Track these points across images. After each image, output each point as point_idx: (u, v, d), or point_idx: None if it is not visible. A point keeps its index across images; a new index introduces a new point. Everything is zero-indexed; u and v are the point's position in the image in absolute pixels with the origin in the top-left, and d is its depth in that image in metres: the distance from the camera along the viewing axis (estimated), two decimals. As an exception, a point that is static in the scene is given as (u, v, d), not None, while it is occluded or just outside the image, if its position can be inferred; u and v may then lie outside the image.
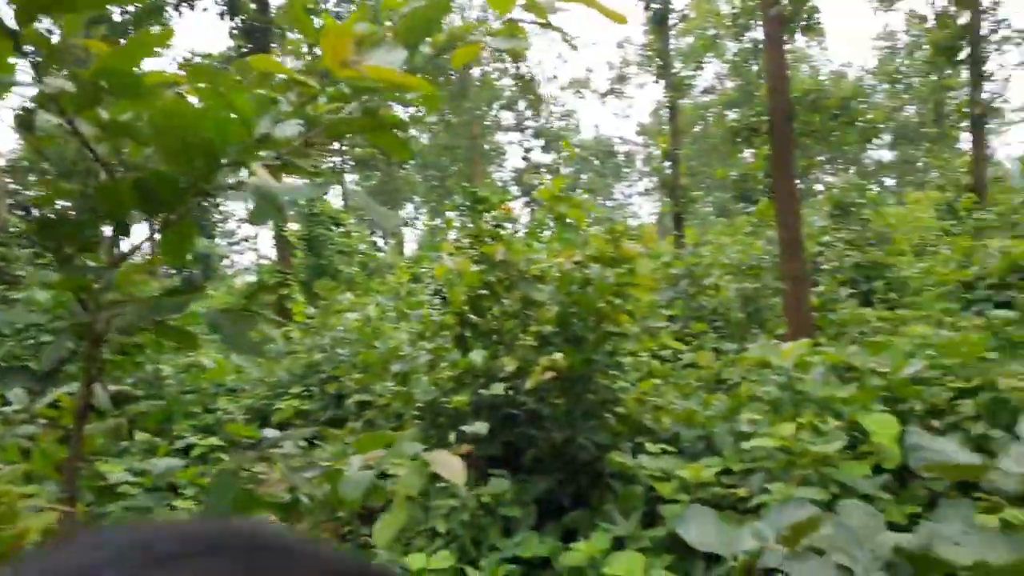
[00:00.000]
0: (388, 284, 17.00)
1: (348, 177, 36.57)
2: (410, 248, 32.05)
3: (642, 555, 3.52)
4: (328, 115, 1.83)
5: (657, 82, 18.39)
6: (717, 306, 10.86)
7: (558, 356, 4.38)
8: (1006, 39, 17.02)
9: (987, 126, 20.93)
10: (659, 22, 17.01)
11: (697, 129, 31.23)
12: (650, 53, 18.20)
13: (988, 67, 16.67)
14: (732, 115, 18.08)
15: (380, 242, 39.23)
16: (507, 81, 34.20)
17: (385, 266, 23.32)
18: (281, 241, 16.60)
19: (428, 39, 1.95)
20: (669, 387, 6.12)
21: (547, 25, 2.05)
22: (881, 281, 11.94)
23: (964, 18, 16.25)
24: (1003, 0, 16.12)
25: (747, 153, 16.61)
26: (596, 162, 45.70)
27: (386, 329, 9.00)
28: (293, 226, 19.18)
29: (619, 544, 3.87)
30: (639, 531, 3.93)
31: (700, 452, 4.75)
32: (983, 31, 16.27)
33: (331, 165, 34.43)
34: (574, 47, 2.33)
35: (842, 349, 6.13)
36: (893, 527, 3.29)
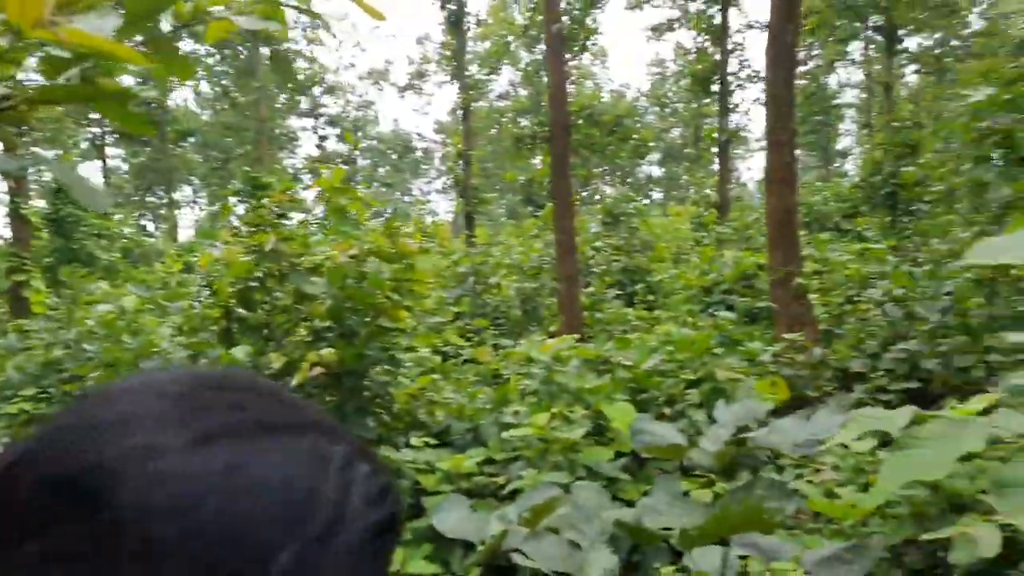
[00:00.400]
0: (155, 273, 15.42)
1: (112, 152, 32.46)
2: (186, 234, 29.28)
3: (401, 548, 3.59)
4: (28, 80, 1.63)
5: (453, 82, 18.76)
6: (500, 304, 11.37)
7: (327, 351, 4.30)
8: (749, 77, 19.85)
9: (733, 151, 24.33)
10: (455, 23, 17.35)
11: (493, 132, 32.34)
12: (447, 53, 18.51)
13: (734, 99, 19.40)
14: (524, 122, 19.02)
15: (151, 226, 35.35)
16: (302, 63, 32.65)
17: (155, 253, 21.13)
18: (18, 219, 14.27)
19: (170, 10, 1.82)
20: (448, 381, 6.29)
21: (306, 11, 2.02)
22: (642, 284, 13.32)
23: (716, 55, 18.70)
24: (747, 44, 18.81)
25: (537, 160, 17.60)
26: (394, 156, 45.34)
27: (149, 323, 8.17)
28: (39, 203, 16.62)
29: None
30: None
31: (468, 444, 4.96)
32: (730, 68, 18.85)
33: (88, 137, 30.25)
34: (333, 35, 2.30)
35: (600, 344, 6.76)
36: (630, 504, 3.72)
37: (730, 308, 9.34)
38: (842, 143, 40.35)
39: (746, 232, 16.05)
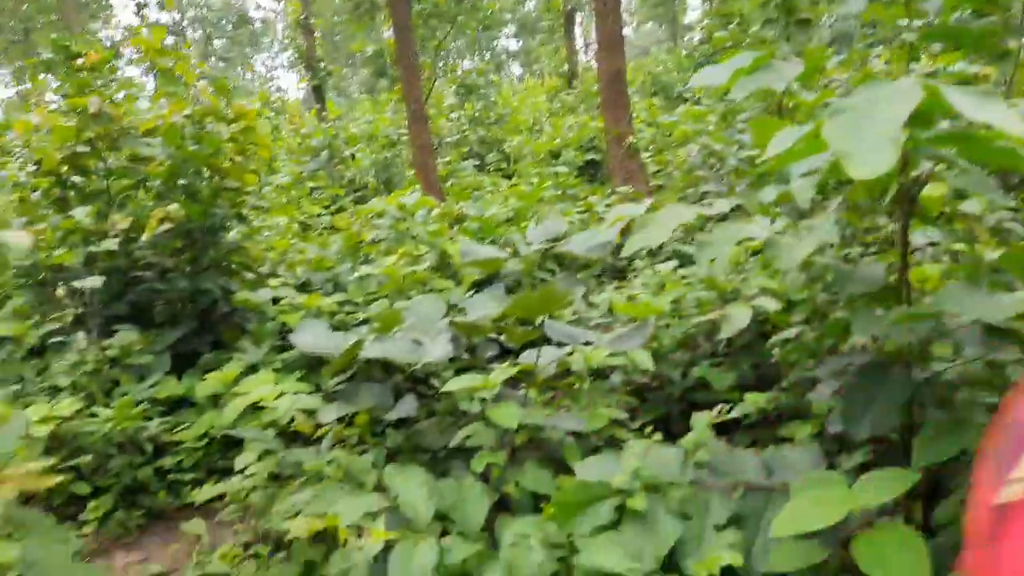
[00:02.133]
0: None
1: None
2: (-11, 119, 25.61)
3: (273, 372, 3.98)
4: None
5: (288, -58, 17.25)
6: (356, 175, 11.39)
7: (173, 207, 4.39)
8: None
9: (577, 22, 24.44)
10: None
11: (338, 1, 30.17)
12: (278, -94, 16.87)
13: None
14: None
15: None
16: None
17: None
18: None
19: None
20: (309, 240, 6.51)
21: None
22: (496, 153, 13.73)
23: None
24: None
25: (389, 31, 16.93)
26: (229, 27, 41.23)
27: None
28: None
29: (254, 371, 4.27)
30: (271, 356, 4.38)
31: (329, 293, 5.32)
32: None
33: None
34: None
35: (451, 202, 7.19)
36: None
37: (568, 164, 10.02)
38: (689, 17, 41.58)
39: (593, 100, 16.72)
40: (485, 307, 3.14)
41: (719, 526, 2.21)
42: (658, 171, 10.00)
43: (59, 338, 4.54)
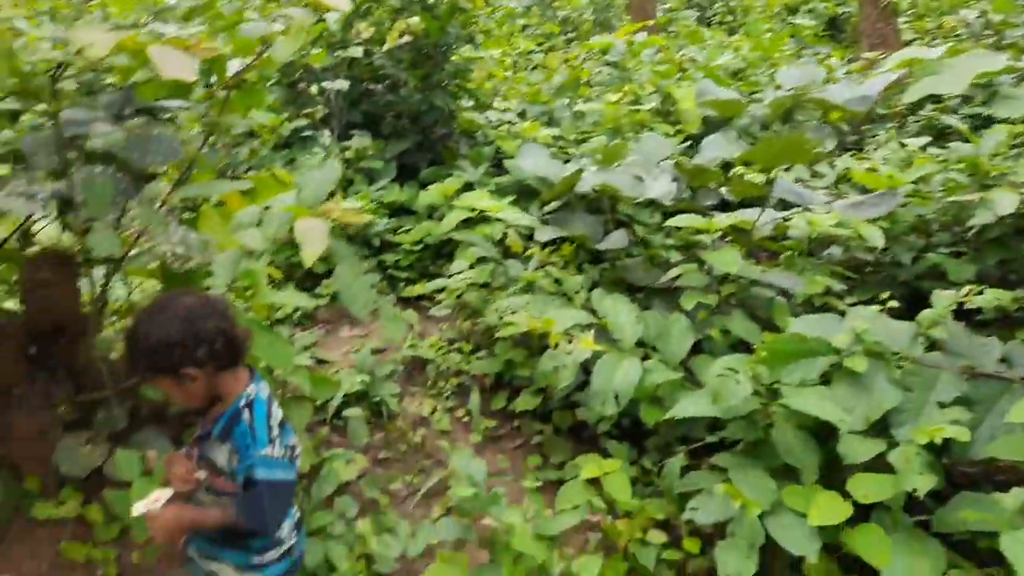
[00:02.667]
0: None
1: None
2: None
3: (488, 192, 4.24)
4: None
5: None
6: (571, 14, 11.04)
7: (414, 20, 4.57)
8: None
9: None
10: None
11: None
12: None
13: None
14: None
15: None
16: None
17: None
18: None
19: None
20: (521, 76, 6.56)
21: None
22: (721, 3, 12.56)
23: None
24: None
25: None
26: None
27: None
28: None
29: (469, 189, 4.57)
30: (486, 178, 4.64)
31: (543, 126, 5.41)
32: None
33: None
34: None
35: (670, 40, 6.79)
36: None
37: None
38: None
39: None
40: (718, 150, 3.05)
41: (943, 404, 2.14)
42: (914, 40, 8.67)
43: (306, 133, 5.10)
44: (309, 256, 1.85)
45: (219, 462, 1.54)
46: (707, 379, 2.52)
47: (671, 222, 2.91)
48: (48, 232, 2.90)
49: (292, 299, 3.08)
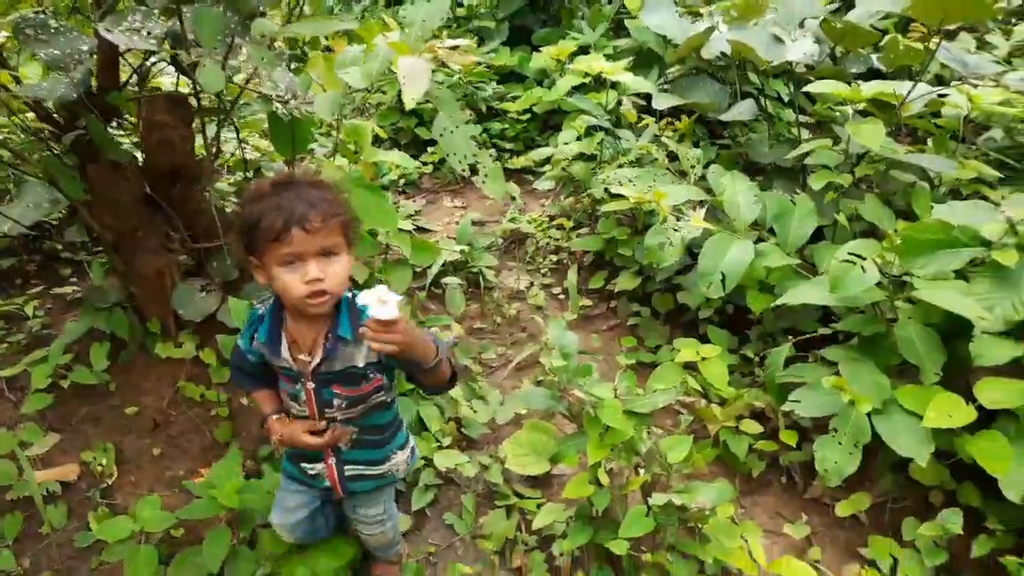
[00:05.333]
0: None
1: None
2: None
3: (603, 57, 4.02)
4: None
5: None
6: None
7: None
8: None
9: None
10: None
11: None
12: None
13: None
14: None
15: None
16: None
17: None
18: None
19: None
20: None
21: None
22: None
23: None
24: None
25: None
26: None
27: None
28: None
29: (584, 52, 4.36)
30: (605, 40, 4.40)
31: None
32: None
33: None
34: None
35: None
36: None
37: None
38: None
39: None
40: (877, 4, 2.71)
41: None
42: None
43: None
44: (410, 96, 1.83)
45: (359, 364, 1.46)
46: (826, 268, 2.37)
47: (809, 88, 2.65)
48: (165, 78, 3.05)
49: (398, 160, 3.12)
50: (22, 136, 2.63)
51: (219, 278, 2.72)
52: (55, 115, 2.39)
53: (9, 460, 2.31)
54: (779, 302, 2.28)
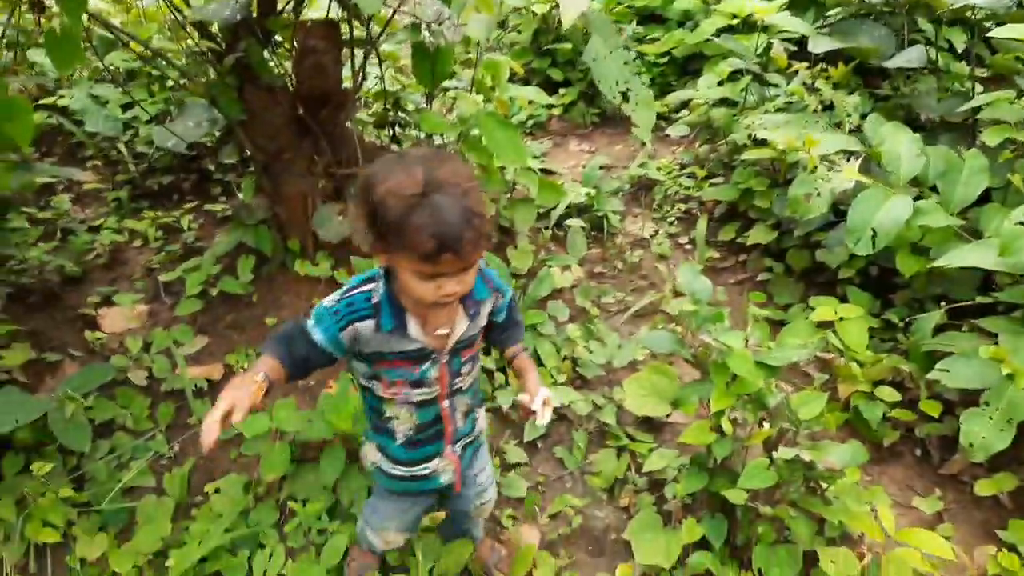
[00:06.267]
0: None
1: None
2: None
3: (752, -4, 3.79)
4: None
5: None
6: None
7: None
8: None
9: None
10: None
11: None
12: None
13: None
14: None
15: None
16: None
17: None
18: None
19: None
20: None
21: None
22: None
23: None
24: None
25: None
26: None
27: None
28: None
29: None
30: (752, -19, 4.14)
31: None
32: None
33: None
34: None
35: None
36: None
37: None
38: None
39: None
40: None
41: None
42: None
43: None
44: (569, 16, 1.81)
45: (483, 321, 1.41)
46: (994, 232, 2.18)
47: (996, 32, 2.39)
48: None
49: (533, 95, 3.11)
50: (186, 60, 2.83)
51: (356, 204, 2.85)
52: (217, 38, 2.55)
53: (165, 356, 2.58)
54: (938, 263, 2.12)
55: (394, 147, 3.23)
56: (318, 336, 1.28)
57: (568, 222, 3.42)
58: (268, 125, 2.62)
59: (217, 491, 2.16)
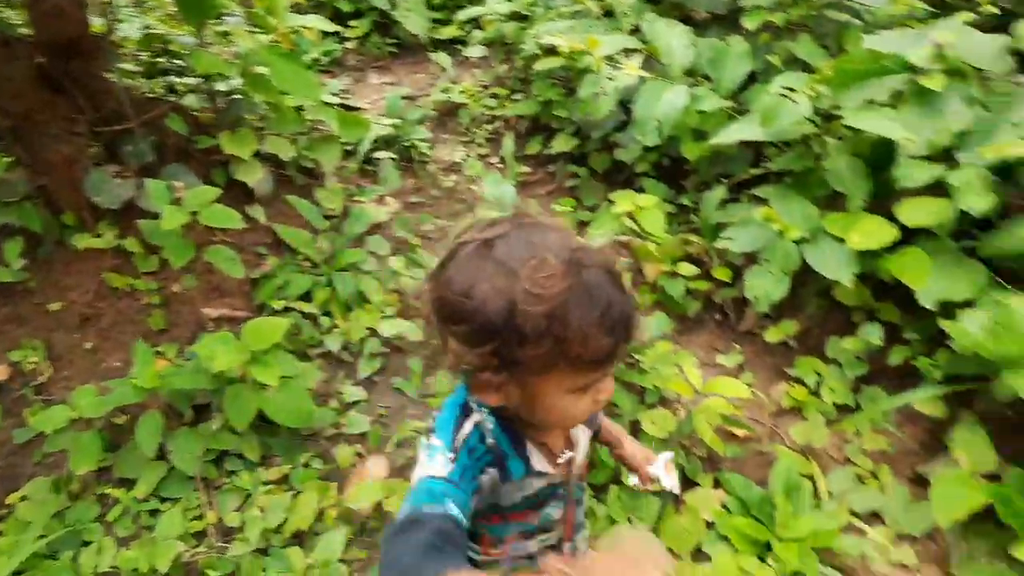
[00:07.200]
0: None
1: None
2: None
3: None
4: None
5: None
6: None
7: None
8: None
9: None
10: None
11: None
12: None
13: None
14: None
15: None
16: None
17: None
18: None
19: None
20: None
21: None
22: None
23: None
24: None
25: None
26: None
27: None
28: None
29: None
30: None
31: None
32: None
33: None
34: None
35: None
36: None
37: None
38: None
39: None
40: None
41: (1017, 123, 2.01)
42: None
43: None
44: None
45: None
46: (756, 109, 2.41)
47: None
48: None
49: (316, 23, 2.96)
50: None
51: (134, 162, 2.61)
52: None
53: (-68, 366, 2.27)
54: (712, 142, 2.32)
55: (172, 98, 2.97)
56: (455, 511, 0.81)
57: (377, 155, 3.36)
58: (8, 82, 2.32)
59: (24, 499, 1.98)
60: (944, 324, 1.77)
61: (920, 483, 1.91)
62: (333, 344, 2.46)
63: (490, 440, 0.92)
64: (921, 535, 1.80)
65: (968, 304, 1.82)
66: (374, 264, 2.77)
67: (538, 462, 0.97)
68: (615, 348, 0.80)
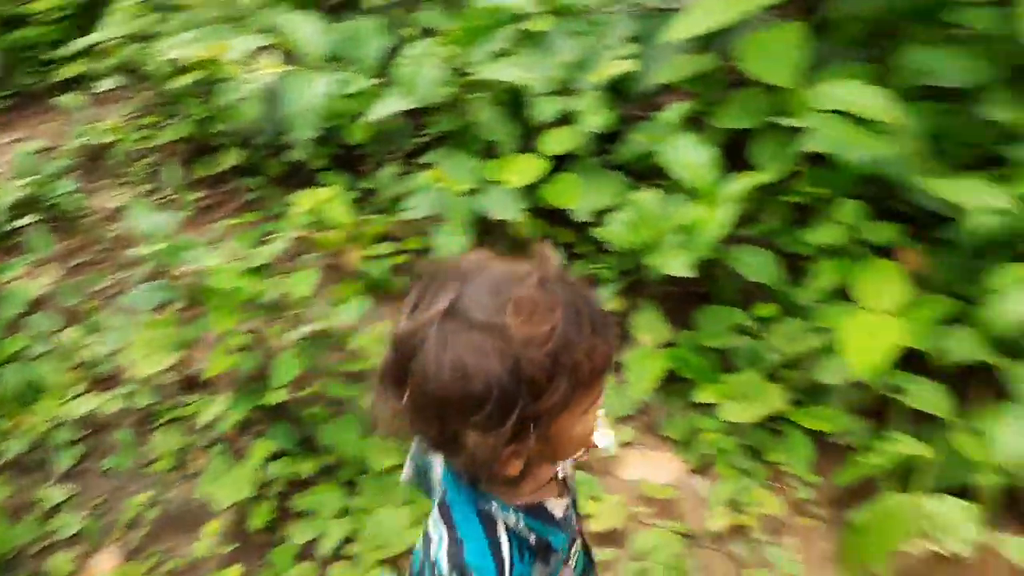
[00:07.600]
0: None
1: None
2: None
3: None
4: None
5: None
6: None
7: None
8: None
9: None
10: None
11: None
12: None
13: None
14: None
15: None
16: None
17: None
18: None
19: None
20: None
21: None
22: None
23: None
24: None
25: None
26: None
27: None
28: None
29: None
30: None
31: None
32: None
33: None
34: None
35: None
36: None
37: None
38: None
39: None
40: None
41: (613, 45, 2.31)
42: None
43: None
44: None
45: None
46: (396, 80, 2.49)
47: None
48: None
49: None
50: None
51: None
52: None
53: None
54: (364, 120, 2.36)
55: None
56: None
57: (20, 223, 2.93)
58: None
59: None
60: (596, 232, 2.01)
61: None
62: (16, 448, 2.13)
63: (531, 538, 0.84)
64: (635, 412, 2.03)
65: (613, 209, 2.07)
66: (43, 345, 2.44)
67: (555, 508, 0.89)
68: (612, 347, 0.77)
